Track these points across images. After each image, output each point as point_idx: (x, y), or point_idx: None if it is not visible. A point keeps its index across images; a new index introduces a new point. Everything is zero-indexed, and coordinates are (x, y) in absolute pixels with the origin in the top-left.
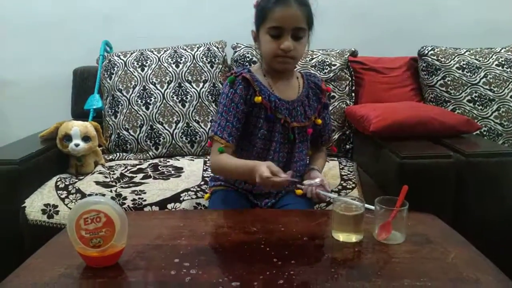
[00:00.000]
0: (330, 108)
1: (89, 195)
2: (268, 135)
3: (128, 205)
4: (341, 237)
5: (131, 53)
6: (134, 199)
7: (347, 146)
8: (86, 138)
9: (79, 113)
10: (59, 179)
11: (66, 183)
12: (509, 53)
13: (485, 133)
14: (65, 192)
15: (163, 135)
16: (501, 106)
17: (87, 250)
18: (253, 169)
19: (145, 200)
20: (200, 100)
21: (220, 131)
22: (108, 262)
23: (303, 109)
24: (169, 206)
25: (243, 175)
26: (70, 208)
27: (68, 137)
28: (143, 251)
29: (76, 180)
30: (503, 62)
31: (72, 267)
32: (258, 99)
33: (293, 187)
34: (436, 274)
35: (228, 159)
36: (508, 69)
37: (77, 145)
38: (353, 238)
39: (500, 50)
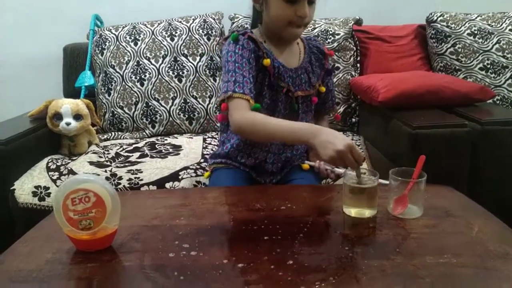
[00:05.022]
0: (335, 80)
1: None
2: (271, 105)
3: (124, 185)
4: (353, 212)
5: (123, 27)
6: (130, 179)
7: (353, 120)
8: (77, 117)
9: (71, 92)
10: (50, 160)
11: (58, 164)
12: None
13: (498, 102)
14: (56, 173)
15: (160, 112)
16: None
17: (77, 233)
18: (311, 129)
19: (141, 180)
20: (197, 74)
21: (239, 87)
22: (100, 245)
23: (307, 76)
24: (168, 185)
25: (290, 134)
26: None
27: (58, 116)
28: (138, 232)
29: (69, 161)
30: None
31: (61, 252)
32: (267, 61)
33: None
34: (461, 249)
35: (262, 115)
36: None
37: (68, 123)
38: (366, 213)
39: None
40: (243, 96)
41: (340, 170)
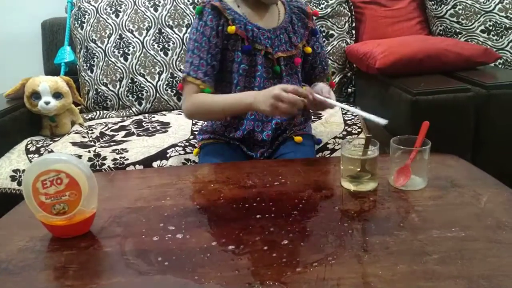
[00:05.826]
0: (329, 48)
1: None
2: (249, 70)
3: (109, 166)
4: (352, 186)
5: None
6: (115, 159)
7: (349, 90)
8: (57, 95)
9: (52, 70)
10: (30, 141)
11: (38, 145)
12: None
13: (500, 66)
14: (36, 155)
15: (146, 88)
16: None
17: (51, 218)
18: (250, 93)
19: (127, 159)
20: (184, 47)
21: (193, 70)
22: (78, 231)
23: (287, 36)
24: (155, 164)
25: (235, 104)
26: None
27: (36, 95)
28: (120, 215)
29: (50, 142)
30: None
31: (35, 239)
32: (231, 29)
33: (291, 133)
34: (469, 221)
35: (206, 95)
36: None
37: (47, 103)
38: (366, 186)
39: None
40: (195, 80)
41: (332, 101)
